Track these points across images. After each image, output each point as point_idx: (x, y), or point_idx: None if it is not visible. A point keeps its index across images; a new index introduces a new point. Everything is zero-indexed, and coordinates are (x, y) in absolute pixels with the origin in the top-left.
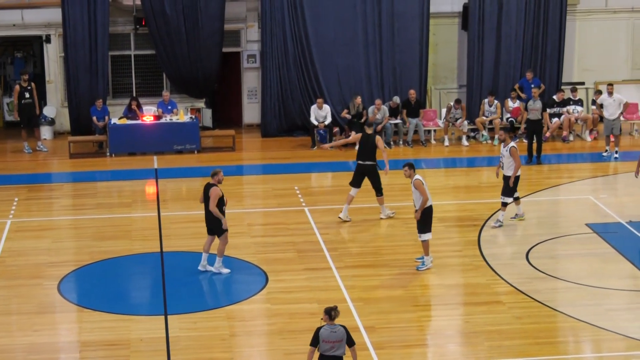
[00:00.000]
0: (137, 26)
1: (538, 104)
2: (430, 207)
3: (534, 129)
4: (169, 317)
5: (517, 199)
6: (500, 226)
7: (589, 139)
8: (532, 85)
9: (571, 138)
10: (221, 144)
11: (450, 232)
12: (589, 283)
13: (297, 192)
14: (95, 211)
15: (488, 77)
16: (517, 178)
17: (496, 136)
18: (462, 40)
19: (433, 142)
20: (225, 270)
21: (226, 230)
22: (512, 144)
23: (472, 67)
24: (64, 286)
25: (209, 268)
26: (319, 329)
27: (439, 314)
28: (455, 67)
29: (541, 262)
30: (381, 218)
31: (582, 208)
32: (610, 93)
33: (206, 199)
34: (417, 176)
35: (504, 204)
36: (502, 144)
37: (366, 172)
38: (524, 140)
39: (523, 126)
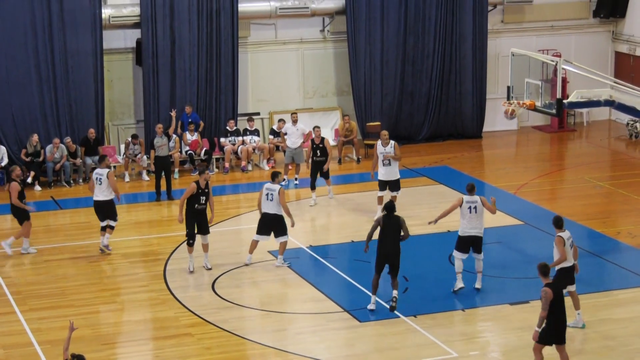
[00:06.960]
0: None
1: (164, 140)
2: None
3: (162, 165)
4: None
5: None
6: None
7: (267, 167)
8: (190, 120)
9: (250, 167)
10: None
11: (135, 268)
12: (274, 309)
13: None
14: None
15: (164, 111)
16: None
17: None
18: (137, 76)
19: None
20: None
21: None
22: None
23: (149, 102)
24: None
25: None
26: None
27: (129, 351)
28: (132, 103)
29: (227, 291)
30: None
31: None
32: (294, 122)
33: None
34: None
35: None
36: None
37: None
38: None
39: (152, 162)
